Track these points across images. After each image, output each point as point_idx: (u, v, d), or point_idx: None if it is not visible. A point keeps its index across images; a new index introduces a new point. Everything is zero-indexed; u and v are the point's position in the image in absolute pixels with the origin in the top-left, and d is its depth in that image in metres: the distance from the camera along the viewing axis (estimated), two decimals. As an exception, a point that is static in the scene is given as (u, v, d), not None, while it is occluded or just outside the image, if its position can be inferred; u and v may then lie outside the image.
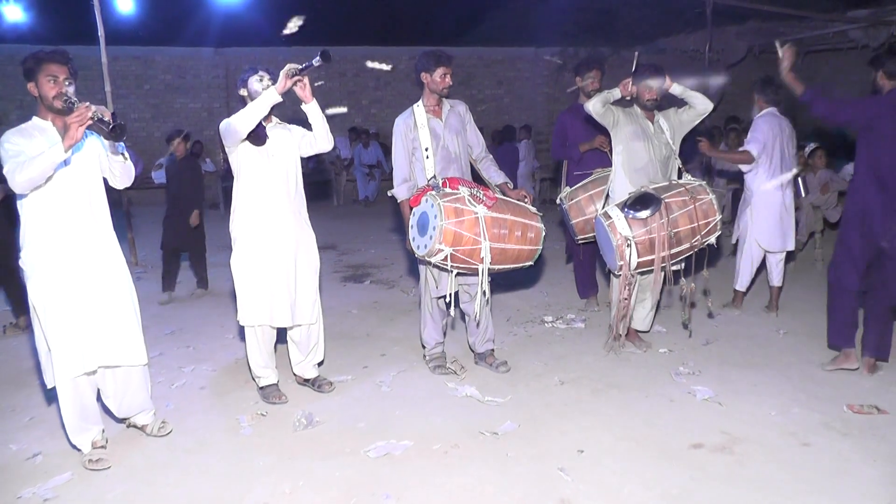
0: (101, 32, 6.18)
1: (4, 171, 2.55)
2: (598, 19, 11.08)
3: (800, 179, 5.74)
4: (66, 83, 2.66)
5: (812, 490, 2.56)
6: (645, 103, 3.80)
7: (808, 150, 5.98)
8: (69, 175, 2.72)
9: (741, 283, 4.79)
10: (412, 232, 3.38)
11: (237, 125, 3.09)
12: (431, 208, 3.22)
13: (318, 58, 2.96)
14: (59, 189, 2.69)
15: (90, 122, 2.48)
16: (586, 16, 11.03)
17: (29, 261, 2.71)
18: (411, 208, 3.41)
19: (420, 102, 3.56)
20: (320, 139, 3.32)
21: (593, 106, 3.74)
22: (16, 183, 2.52)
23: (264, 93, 3.08)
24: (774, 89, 4.47)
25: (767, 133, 4.42)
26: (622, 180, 3.82)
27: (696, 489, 2.58)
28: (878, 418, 3.13)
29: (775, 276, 4.72)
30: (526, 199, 3.57)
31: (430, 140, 3.48)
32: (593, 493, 2.57)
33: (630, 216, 3.53)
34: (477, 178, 3.68)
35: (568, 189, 4.39)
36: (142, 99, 11.44)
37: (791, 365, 3.79)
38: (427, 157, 3.47)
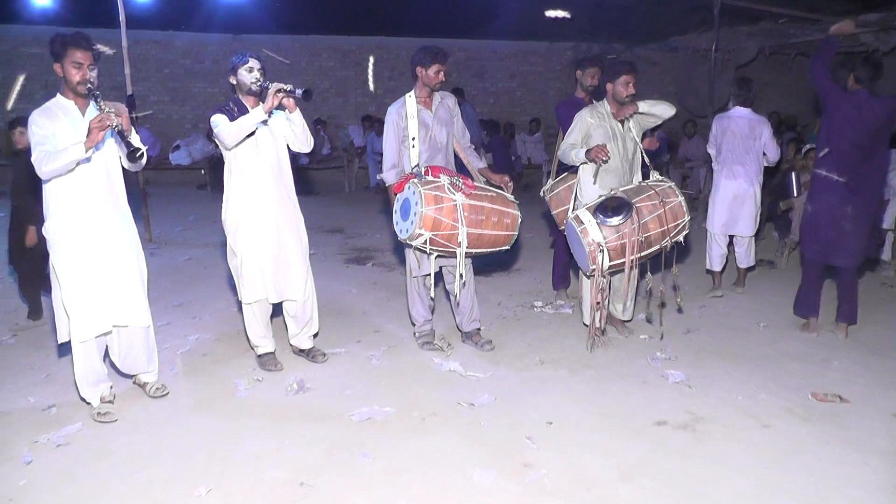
0: (122, 17, 6.44)
1: (32, 159, 2.81)
2: (613, 15, 11.13)
3: (793, 175, 5.84)
4: (90, 69, 2.89)
5: (764, 465, 2.73)
6: (623, 100, 3.81)
7: (803, 150, 6.07)
8: (90, 155, 2.95)
9: (709, 263, 5.12)
10: (396, 216, 3.57)
11: (224, 138, 3.28)
12: (413, 195, 3.41)
13: (301, 91, 3.16)
14: (81, 167, 2.95)
15: (110, 128, 2.75)
16: (601, 11, 11.08)
17: (52, 231, 2.99)
18: (395, 194, 3.60)
19: (412, 93, 3.73)
20: (300, 143, 3.48)
21: (571, 162, 3.88)
22: (42, 172, 2.82)
23: (252, 112, 3.23)
24: (749, 91, 4.84)
25: (715, 132, 4.95)
26: (591, 182, 3.87)
27: (653, 461, 2.76)
28: (840, 406, 3.27)
29: (742, 258, 5.09)
30: (509, 184, 3.74)
31: (418, 130, 3.66)
32: (554, 459, 2.77)
33: (601, 222, 3.56)
34: (464, 169, 3.85)
35: (550, 182, 4.50)
36: (161, 82, 11.70)
37: (766, 356, 3.91)
38: (413, 147, 3.65)
